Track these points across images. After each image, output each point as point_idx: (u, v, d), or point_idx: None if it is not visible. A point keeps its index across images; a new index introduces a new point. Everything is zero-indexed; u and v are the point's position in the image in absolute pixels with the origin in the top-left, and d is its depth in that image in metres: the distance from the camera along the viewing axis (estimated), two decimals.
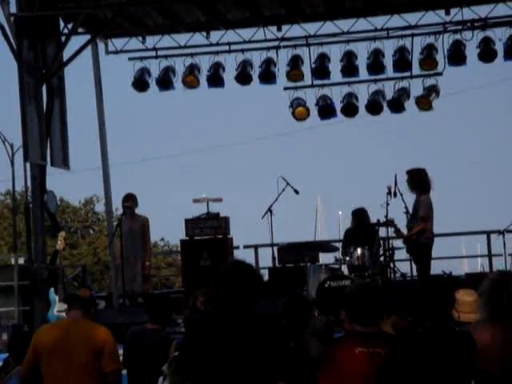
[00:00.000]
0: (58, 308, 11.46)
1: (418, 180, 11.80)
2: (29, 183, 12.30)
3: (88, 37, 12.96)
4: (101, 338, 6.53)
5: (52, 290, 11.71)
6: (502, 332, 5.52)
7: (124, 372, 7.16)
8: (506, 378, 5.49)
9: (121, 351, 7.42)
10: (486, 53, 13.73)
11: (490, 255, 15.01)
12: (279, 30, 14.14)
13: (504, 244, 13.16)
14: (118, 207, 14.95)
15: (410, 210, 11.88)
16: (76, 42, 12.56)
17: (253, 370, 5.20)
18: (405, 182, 11.89)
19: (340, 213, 43.40)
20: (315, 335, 6.63)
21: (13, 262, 15.09)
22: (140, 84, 14.51)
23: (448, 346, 5.47)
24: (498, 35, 13.67)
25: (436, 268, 14.38)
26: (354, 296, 5.46)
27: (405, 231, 11.92)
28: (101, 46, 14.43)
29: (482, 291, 5.71)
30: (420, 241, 11.72)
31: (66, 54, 12.44)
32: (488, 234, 14.97)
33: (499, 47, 13.71)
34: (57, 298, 11.66)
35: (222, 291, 5.36)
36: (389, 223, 11.87)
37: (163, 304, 7.78)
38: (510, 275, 5.82)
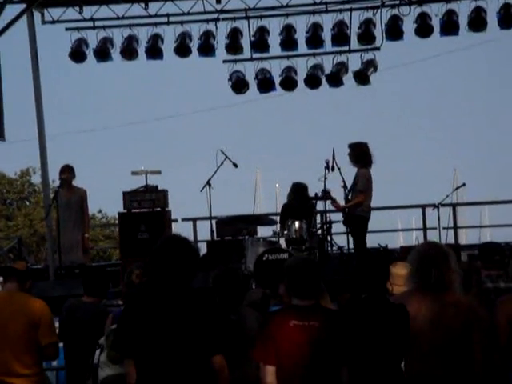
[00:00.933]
0: None
1: (360, 153, 11.86)
2: None
3: (23, 6, 12.75)
4: (37, 311, 6.50)
5: None
6: (431, 302, 5.66)
7: (60, 345, 7.14)
8: (435, 347, 5.63)
9: (57, 324, 7.40)
10: (423, 28, 13.86)
11: (424, 228, 15.25)
12: (218, 2, 14.07)
13: (438, 217, 13.37)
14: (54, 179, 14.83)
15: (349, 184, 11.95)
16: (11, 10, 12.36)
17: (190, 344, 5.22)
18: (346, 156, 11.91)
19: (277, 185, 43.57)
20: (252, 307, 6.69)
21: None
22: (77, 55, 14.34)
23: (383, 318, 5.58)
24: (435, 11, 13.82)
25: (372, 241, 14.58)
26: (291, 270, 5.50)
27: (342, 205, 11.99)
28: (37, 15, 14.23)
29: (410, 262, 5.84)
30: (356, 214, 11.81)
31: (1, 24, 12.22)
32: (423, 207, 15.20)
33: (435, 23, 13.85)
34: None
35: (159, 265, 5.37)
36: (326, 195, 11.96)
37: (99, 277, 7.77)
38: (438, 247, 5.96)
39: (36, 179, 44.75)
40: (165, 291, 5.32)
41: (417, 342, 5.60)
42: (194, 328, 5.24)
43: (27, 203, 46.10)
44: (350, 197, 11.87)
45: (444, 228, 13.86)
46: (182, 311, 5.27)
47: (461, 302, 5.73)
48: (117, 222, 13.62)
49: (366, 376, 5.50)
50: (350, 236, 12.01)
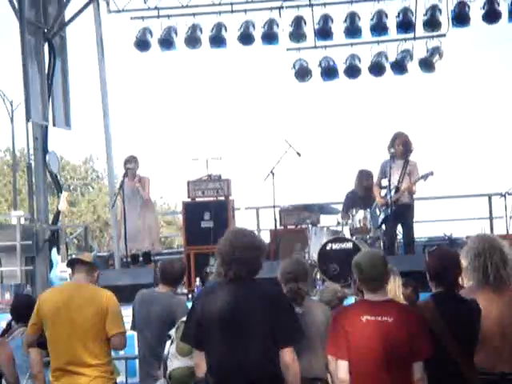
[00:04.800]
0: (60, 268, 11.50)
1: (411, 144, 11.76)
2: (30, 142, 12.22)
3: None
4: (104, 302, 6.53)
5: (54, 250, 11.73)
6: (494, 298, 5.64)
7: (130, 333, 7.18)
8: (504, 343, 5.60)
9: (125, 312, 7.44)
10: (491, 14, 13.62)
11: (491, 218, 15.04)
12: None
13: (505, 206, 13.19)
14: (117, 165, 14.96)
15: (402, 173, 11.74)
16: (78, 0, 12.45)
17: (260, 336, 5.24)
18: (399, 146, 11.72)
19: (342, 173, 43.30)
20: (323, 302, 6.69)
21: (14, 221, 15.07)
22: (142, 44, 14.42)
23: (457, 313, 5.53)
24: None
25: (437, 230, 14.44)
26: (361, 266, 5.47)
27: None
28: (103, 5, 14.36)
29: (465, 258, 5.78)
30: (408, 202, 11.68)
31: (68, 13, 12.32)
32: (490, 196, 15.00)
33: (504, 8, 13.60)
34: (59, 258, 11.70)
35: (226, 259, 5.38)
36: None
37: (176, 267, 7.76)
38: (490, 240, 5.89)
39: (99, 165, 45.35)
40: (233, 283, 5.34)
41: (487, 337, 5.56)
42: (263, 320, 5.25)
43: (90, 189, 46.70)
44: (397, 185, 11.61)
45: (511, 217, 13.65)
46: (251, 303, 5.28)
47: None
48: (178, 208, 13.70)
49: (440, 371, 5.46)
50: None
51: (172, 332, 6.66)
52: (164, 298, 7.48)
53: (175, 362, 6.52)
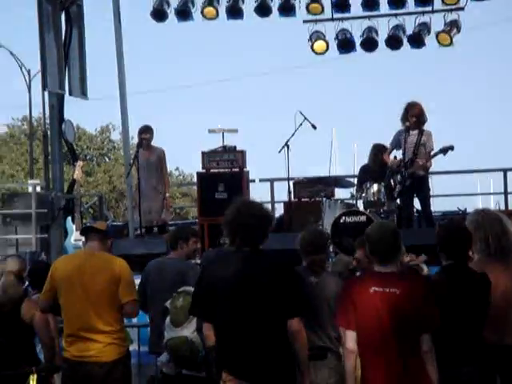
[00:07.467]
0: (75, 237, 11.59)
1: (425, 114, 11.71)
2: (47, 111, 12.27)
3: None
4: (117, 269, 6.58)
5: (69, 218, 11.81)
6: (499, 270, 5.67)
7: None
8: (508, 315, 5.66)
9: (138, 281, 7.50)
10: None
11: (506, 193, 15.01)
12: None
13: None
14: (133, 135, 14.98)
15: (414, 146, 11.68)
16: None
17: (267, 307, 5.26)
18: (412, 117, 11.65)
19: (355, 146, 43.23)
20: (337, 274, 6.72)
21: (30, 189, 15.15)
22: (159, 14, 14.36)
23: (467, 286, 5.56)
24: None
25: (451, 204, 14.43)
26: (372, 237, 5.49)
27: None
28: None
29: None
30: (422, 175, 11.65)
31: None
32: (505, 171, 14.96)
33: None
34: (74, 226, 11.77)
35: (233, 227, 5.41)
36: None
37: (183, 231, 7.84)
38: (488, 213, 5.92)
39: (115, 136, 45.41)
40: (241, 253, 5.37)
41: (493, 310, 5.59)
42: (270, 291, 5.27)
43: (107, 159, 46.78)
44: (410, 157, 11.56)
45: None
46: (257, 274, 5.30)
47: None
48: (194, 179, 13.71)
49: (449, 343, 5.49)
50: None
51: (168, 303, 6.72)
52: (174, 263, 7.55)
53: (170, 333, 6.61)
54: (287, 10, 14.13)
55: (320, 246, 6.46)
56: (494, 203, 15.67)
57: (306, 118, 12.38)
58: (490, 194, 19.22)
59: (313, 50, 14.44)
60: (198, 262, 11.46)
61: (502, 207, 14.27)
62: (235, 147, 12.73)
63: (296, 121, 12.36)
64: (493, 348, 5.61)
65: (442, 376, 5.34)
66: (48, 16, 11.87)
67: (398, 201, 11.87)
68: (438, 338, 5.36)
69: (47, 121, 11.96)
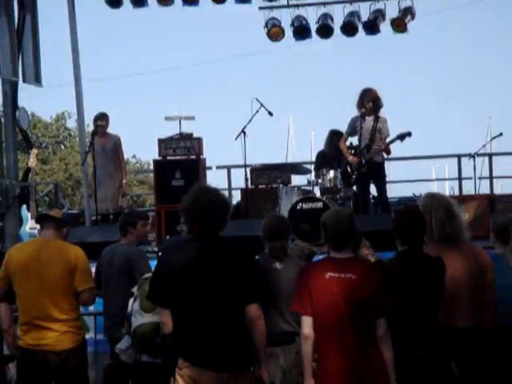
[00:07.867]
0: (30, 225, 11.47)
1: (380, 100, 11.76)
2: (0, 99, 12.12)
3: None
4: (73, 257, 6.53)
5: (24, 206, 11.69)
6: (451, 255, 5.75)
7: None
8: (465, 298, 5.82)
9: (94, 269, 7.48)
10: None
11: (460, 178, 15.16)
12: None
13: (474, 167, 13.25)
14: (89, 123, 14.86)
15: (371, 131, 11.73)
16: None
17: (225, 293, 5.26)
18: (368, 103, 11.69)
19: (312, 132, 43.40)
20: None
21: None
22: (114, 0, 14.27)
23: (422, 270, 5.61)
24: None
25: (407, 190, 14.54)
26: (328, 223, 5.51)
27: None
28: None
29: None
30: (379, 161, 11.72)
31: None
32: (459, 157, 15.10)
33: None
34: (29, 214, 11.66)
35: (189, 215, 5.40)
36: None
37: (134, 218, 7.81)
38: (436, 199, 5.98)
39: (71, 123, 45.01)
40: (199, 240, 5.36)
41: (447, 293, 5.67)
42: (228, 277, 5.27)
43: (62, 147, 46.38)
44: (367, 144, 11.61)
45: (479, 178, 13.73)
46: (216, 261, 5.30)
47: (473, 250, 5.94)
48: (151, 167, 13.66)
49: (404, 328, 5.54)
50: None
51: (135, 289, 6.69)
52: (123, 249, 7.56)
53: (139, 319, 6.55)
54: None
55: (281, 232, 6.46)
56: (448, 189, 15.83)
57: (262, 105, 12.40)
58: (444, 179, 19.42)
59: (269, 37, 14.44)
60: (155, 249, 11.48)
61: (457, 192, 14.40)
62: (192, 134, 12.69)
63: (253, 108, 12.39)
64: (446, 331, 5.68)
65: (397, 360, 5.39)
66: (0, 2, 11.73)
67: (355, 187, 11.94)
68: (394, 322, 5.41)
69: (0, 108, 11.81)
